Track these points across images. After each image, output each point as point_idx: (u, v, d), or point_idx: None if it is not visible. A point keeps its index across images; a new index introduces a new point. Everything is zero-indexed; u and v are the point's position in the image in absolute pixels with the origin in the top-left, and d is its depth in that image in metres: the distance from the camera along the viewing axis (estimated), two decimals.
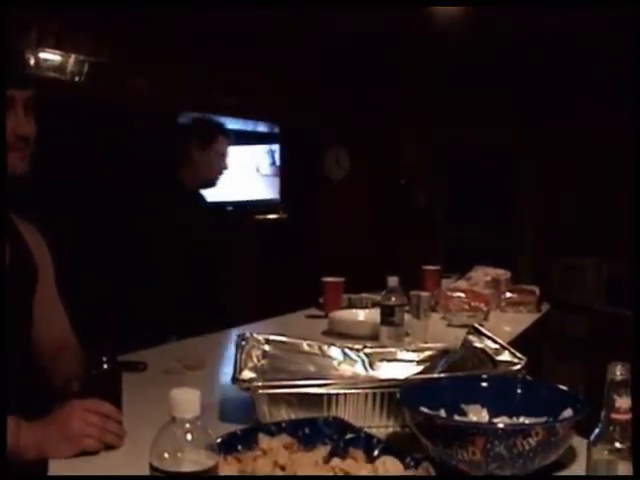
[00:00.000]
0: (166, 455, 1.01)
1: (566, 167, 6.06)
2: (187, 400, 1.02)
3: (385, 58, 5.98)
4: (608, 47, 5.05)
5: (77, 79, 4.61)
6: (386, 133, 6.46)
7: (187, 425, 1.02)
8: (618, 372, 1.16)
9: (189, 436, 1.02)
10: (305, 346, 2.00)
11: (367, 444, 1.36)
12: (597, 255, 5.76)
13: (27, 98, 1.68)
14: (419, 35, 5.47)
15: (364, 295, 3.46)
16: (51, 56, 4.45)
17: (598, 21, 4.74)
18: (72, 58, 4.56)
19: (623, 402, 1.15)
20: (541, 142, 6.15)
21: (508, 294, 3.64)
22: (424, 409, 1.47)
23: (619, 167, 5.11)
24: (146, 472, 1.04)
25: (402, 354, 2.01)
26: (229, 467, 1.28)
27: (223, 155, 3.74)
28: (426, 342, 2.51)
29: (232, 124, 6.76)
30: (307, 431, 1.43)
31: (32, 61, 4.25)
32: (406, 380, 1.72)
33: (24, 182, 1.73)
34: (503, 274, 3.77)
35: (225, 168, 3.78)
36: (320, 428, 1.44)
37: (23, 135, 1.67)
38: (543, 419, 1.47)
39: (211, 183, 3.82)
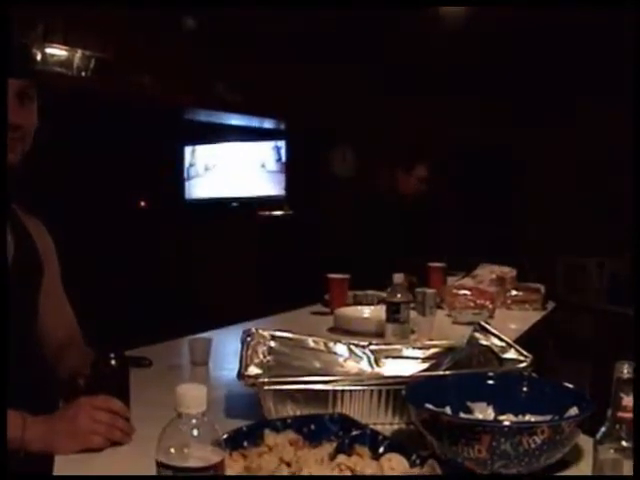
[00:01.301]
0: (172, 450, 1.01)
1: (567, 165, 6.04)
2: (193, 396, 1.02)
3: (387, 57, 5.97)
4: (608, 45, 5.04)
5: (83, 74, 4.61)
6: (389, 131, 6.44)
7: (193, 421, 1.02)
8: (625, 370, 1.16)
9: (195, 432, 1.01)
10: (311, 342, 2.00)
11: (373, 441, 1.36)
12: (601, 254, 5.75)
13: (21, 87, 1.66)
14: (420, 34, 5.47)
15: (370, 292, 3.46)
16: (57, 51, 4.45)
17: (598, 19, 4.73)
18: (78, 53, 4.56)
19: (630, 400, 1.15)
20: (542, 141, 6.13)
21: (513, 292, 3.64)
22: (430, 406, 1.47)
23: (622, 165, 5.10)
24: (152, 468, 1.04)
25: (407, 351, 2.00)
26: (235, 463, 1.27)
27: (421, 179, 4.38)
28: (431, 339, 2.51)
29: (238, 120, 6.78)
30: (313, 427, 1.43)
31: (39, 56, 4.25)
32: (412, 377, 1.72)
33: (27, 175, 1.72)
34: (508, 272, 3.77)
35: (423, 189, 4.41)
36: (326, 424, 1.44)
37: (11, 124, 1.64)
38: (549, 417, 1.47)
39: (406, 199, 4.37)
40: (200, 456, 1.01)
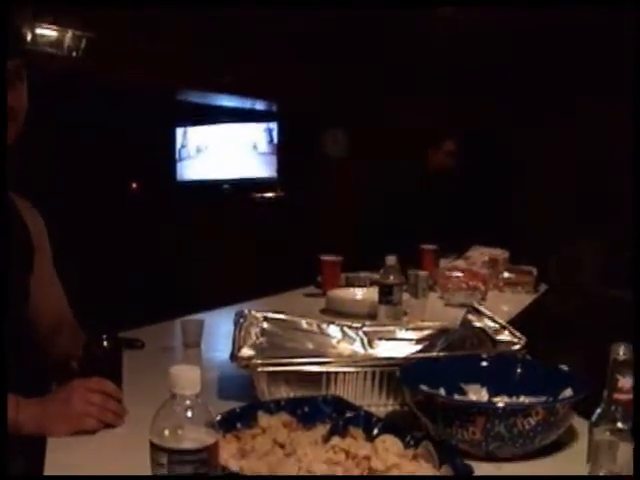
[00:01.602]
0: (166, 432, 1.00)
1: (567, 165, 6.00)
2: (188, 377, 1.01)
3: (387, 40, 5.94)
4: (608, 45, 5.03)
5: (74, 54, 4.57)
6: (386, 113, 6.41)
7: (187, 402, 1.01)
8: (621, 352, 1.16)
9: (189, 413, 1.01)
10: (304, 324, 2.00)
11: (367, 423, 1.35)
12: (597, 237, 5.73)
13: (12, 68, 1.64)
14: (420, 34, 5.47)
15: (362, 274, 3.46)
16: (48, 31, 4.41)
17: (598, 19, 4.72)
18: (69, 33, 4.52)
19: (626, 382, 1.15)
20: (542, 141, 6.09)
21: (506, 274, 3.64)
22: (424, 388, 1.46)
23: (622, 165, 5.08)
24: (144, 450, 1.03)
25: (401, 333, 2.00)
26: (228, 445, 1.27)
27: (450, 153, 4.77)
28: (424, 321, 2.51)
29: (230, 102, 6.75)
30: (306, 409, 1.42)
31: (29, 36, 4.21)
32: (405, 359, 1.71)
33: (17, 157, 1.71)
34: (501, 254, 3.77)
35: (452, 164, 4.77)
36: (319, 406, 1.44)
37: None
38: (543, 399, 1.47)
39: (439, 174, 4.71)
40: (194, 438, 1.01)
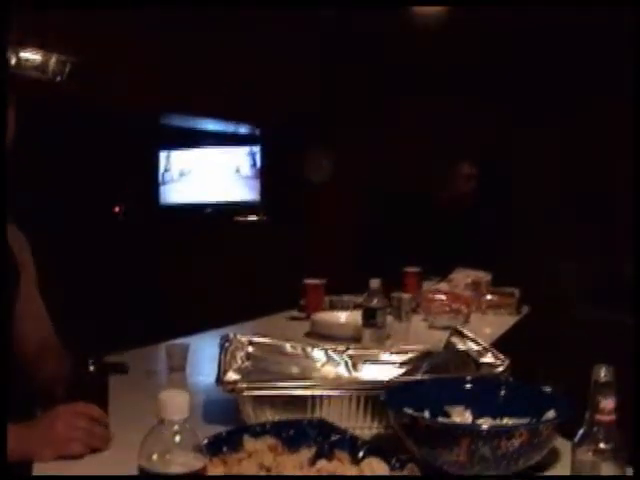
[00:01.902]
0: (154, 457, 1.01)
1: (567, 165, 6.00)
2: (176, 402, 1.02)
3: (387, 57, 5.97)
4: (608, 45, 5.07)
5: (58, 79, 4.58)
6: (371, 135, 6.43)
7: (175, 427, 1.02)
8: (602, 374, 1.17)
9: (177, 438, 1.02)
10: (288, 347, 2.00)
11: (352, 446, 1.36)
12: (581, 256, 5.74)
13: None
14: (405, 34, 5.49)
15: (346, 297, 3.47)
16: (32, 56, 4.41)
17: (597, 18, 4.77)
18: (53, 58, 4.52)
19: (607, 403, 1.16)
20: (542, 141, 6.09)
21: (488, 296, 3.66)
22: (408, 410, 1.47)
23: (622, 165, 5.10)
24: (131, 474, 1.04)
25: (385, 356, 2.01)
26: (215, 469, 1.27)
27: (469, 177, 4.58)
28: (407, 344, 2.52)
29: (213, 125, 6.77)
30: (292, 433, 1.43)
31: (13, 60, 4.22)
32: (390, 382, 1.72)
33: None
34: (483, 276, 3.79)
35: (472, 188, 4.61)
36: (305, 430, 1.44)
37: None
38: (526, 420, 1.49)
39: (459, 200, 4.60)
40: (182, 462, 1.01)
